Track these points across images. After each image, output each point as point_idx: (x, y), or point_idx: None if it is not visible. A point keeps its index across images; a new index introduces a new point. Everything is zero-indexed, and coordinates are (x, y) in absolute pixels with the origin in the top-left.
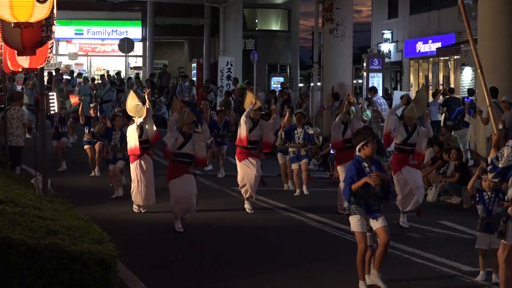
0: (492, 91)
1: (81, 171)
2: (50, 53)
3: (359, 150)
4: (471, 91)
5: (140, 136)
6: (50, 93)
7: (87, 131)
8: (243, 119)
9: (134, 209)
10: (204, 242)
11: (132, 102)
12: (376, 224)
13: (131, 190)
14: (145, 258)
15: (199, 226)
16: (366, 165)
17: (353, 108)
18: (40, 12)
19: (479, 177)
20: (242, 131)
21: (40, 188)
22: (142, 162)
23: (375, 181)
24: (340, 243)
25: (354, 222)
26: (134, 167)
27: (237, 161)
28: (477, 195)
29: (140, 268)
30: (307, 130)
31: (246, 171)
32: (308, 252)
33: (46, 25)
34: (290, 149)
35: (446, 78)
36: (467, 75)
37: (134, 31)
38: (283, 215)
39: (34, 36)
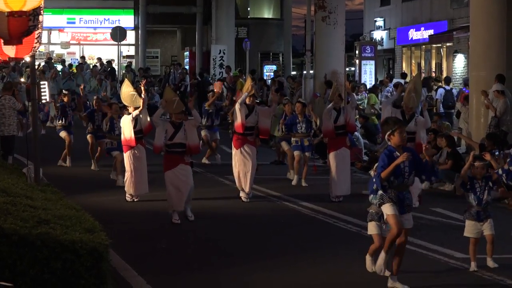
0: (500, 78)
1: (73, 161)
2: (37, 42)
3: (388, 140)
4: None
5: (134, 127)
6: (41, 82)
7: (91, 125)
8: (237, 106)
9: (127, 197)
10: (196, 231)
11: (127, 91)
12: (403, 224)
13: (125, 179)
14: (138, 246)
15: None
16: (399, 154)
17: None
18: (33, 1)
19: (471, 164)
20: (239, 117)
21: (32, 177)
22: (135, 151)
23: (407, 158)
24: (333, 231)
25: (388, 207)
26: (127, 156)
27: (233, 149)
28: (468, 183)
29: (132, 257)
30: (309, 118)
31: (243, 162)
32: (301, 240)
33: (33, 14)
34: (293, 139)
35: (439, 66)
36: (459, 62)
37: (127, 20)
38: (277, 204)
39: (21, 25)
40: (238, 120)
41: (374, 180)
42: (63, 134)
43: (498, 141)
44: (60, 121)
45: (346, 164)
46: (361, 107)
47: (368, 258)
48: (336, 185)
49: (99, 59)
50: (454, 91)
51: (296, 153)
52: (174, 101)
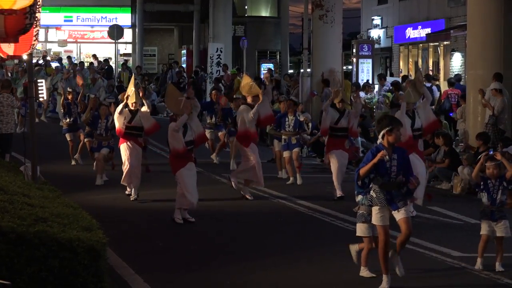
0: (498, 76)
1: (70, 159)
2: (35, 40)
3: (383, 137)
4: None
5: (130, 122)
6: (39, 80)
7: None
8: (250, 115)
9: (127, 192)
10: (194, 229)
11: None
12: (398, 215)
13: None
14: (135, 245)
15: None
16: (386, 153)
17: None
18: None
19: (482, 165)
20: (249, 125)
21: (29, 175)
22: (130, 145)
23: (382, 155)
24: (329, 229)
25: (374, 215)
26: (123, 149)
27: (242, 148)
28: (482, 182)
29: (130, 255)
30: (298, 117)
31: (254, 158)
32: (299, 238)
33: (29, 12)
34: (282, 137)
35: (436, 64)
36: (456, 61)
37: (124, 18)
38: (273, 202)
39: (17, 23)
40: (251, 128)
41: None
42: (68, 137)
43: (488, 140)
44: (67, 119)
45: (342, 166)
46: (369, 106)
47: (363, 269)
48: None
49: (94, 55)
50: (435, 89)
51: (285, 154)
52: (180, 101)
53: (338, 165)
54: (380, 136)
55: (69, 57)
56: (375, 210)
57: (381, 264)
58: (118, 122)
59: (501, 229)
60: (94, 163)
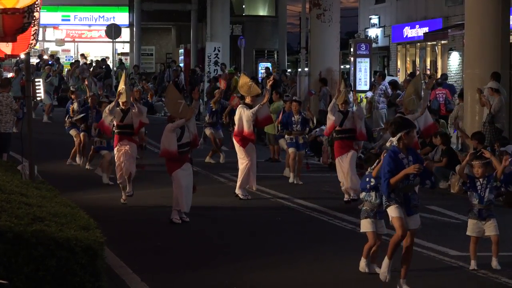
0: (496, 76)
1: (68, 158)
2: (33, 39)
3: (399, 140)
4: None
5: (122, 120)
6: (36, 80)
7: (84, 124)
8: (248, 115)
9: (122, 201)
10: (192, 228)
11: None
12: (409, 225)
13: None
14: (133, 244)
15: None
16: (404, 155)
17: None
18: None
19: (468, 163)
20: (246, 126)
21: (27, 174)
22: (123, 144)
23: (418, 170)
24: (329, 228)
25: (393, 210)
26: (116, 150)
27: (239, 148)
28: (468, 181)
29: (127, 255)
30: (304, 115)
31: (251, 158)
32: (298, 238)
33: (28, 11)
34: (287, 136)
35: (433, 63)
36: (454, 60)
37: (121, 17)
38: (272, 201)
39: (15, 23)
40: (246, 129)
41: (368, 179)
42: (73, 132)
43: (484, 139)
44: (70, 119)
45: (351, 165)
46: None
47: (362, 260)
48: (346, 189)
49: (82, 55)
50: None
51: (290, 150)
52: (179, 104)
53: (345, 169)
54: (396, 139)
55: (55, 58)
56: (394, 206)
57: (388, 249)
58: (106, 119)
59: (490, 228)
60: (83, 161)
